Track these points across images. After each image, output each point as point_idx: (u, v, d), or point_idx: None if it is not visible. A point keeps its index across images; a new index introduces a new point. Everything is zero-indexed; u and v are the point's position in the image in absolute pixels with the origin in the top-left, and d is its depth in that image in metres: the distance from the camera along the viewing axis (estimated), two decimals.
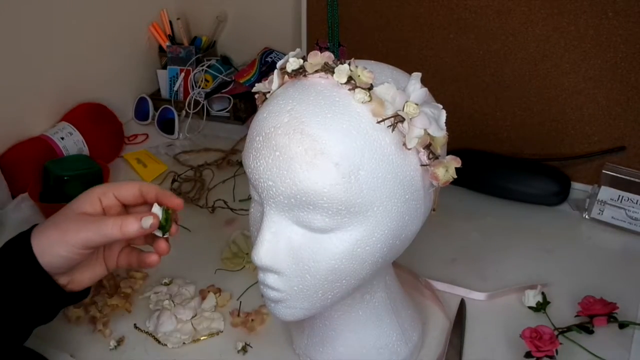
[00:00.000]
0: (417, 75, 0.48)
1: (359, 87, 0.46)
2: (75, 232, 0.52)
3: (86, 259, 0.55)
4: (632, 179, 0.84)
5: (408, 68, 0.99)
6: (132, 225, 0.52)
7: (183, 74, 1.19)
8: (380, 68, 0.50)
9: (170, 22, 1.22)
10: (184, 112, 1.15)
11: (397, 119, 0.46)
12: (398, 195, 0.47)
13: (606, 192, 0.85)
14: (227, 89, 1.17)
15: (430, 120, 0.47)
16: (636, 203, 0.83)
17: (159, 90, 1.23)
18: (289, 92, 0.47)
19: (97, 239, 0.52)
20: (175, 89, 1.20)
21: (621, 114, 0.85)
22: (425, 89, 0.48)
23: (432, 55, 0.94)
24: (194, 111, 1.16)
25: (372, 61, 0.51)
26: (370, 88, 0.46)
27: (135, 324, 0.72)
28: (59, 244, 0.52)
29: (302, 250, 0.47)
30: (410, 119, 0.46)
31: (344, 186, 0.44)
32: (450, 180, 0.49)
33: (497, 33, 0.88)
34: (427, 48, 0.94)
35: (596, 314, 0.69)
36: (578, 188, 0.93)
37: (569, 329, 0.69)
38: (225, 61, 1.23)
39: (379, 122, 0.45)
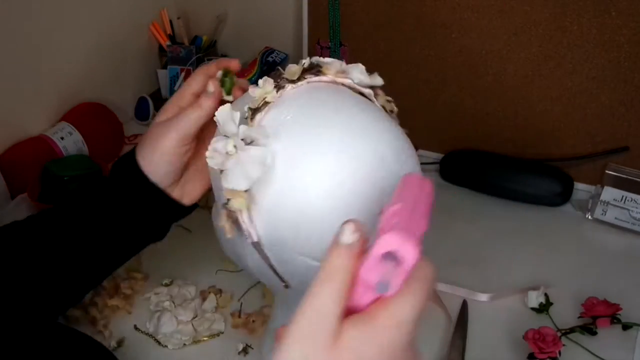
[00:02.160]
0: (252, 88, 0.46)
1: None
2: (166, 132, 0.54)
3: (193, 167, 0.58)
4: (635, 179, 0.84)
5: (410, 67, 1.00)
6: (205, 98, 0.54)
7: (183, 73, 1.18)
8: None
9: (171, 22, 1.22)
10: None
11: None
12: None
13: (609, 193, 0.85)
14: None
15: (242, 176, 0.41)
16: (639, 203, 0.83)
17: (159, 90, 1.23)
18: None
19: (185, 126, 0.53)
20: (175, 88, 1.19)
21: (625, 114, 0.85)
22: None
23: (434, 54, 0.94)
24: None
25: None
26: None
27: (135, 325, 0.72)
28: (158, 151, 0.54)
29: None
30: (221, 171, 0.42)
31: None
32: None
33: (500, 32, 0.87)
34: (429, 47, 0.94)
35: (599, 315, 0.69)
36: (581, 188, 0.93)
37: (572, 330, 0.69)
38: None
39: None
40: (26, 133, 0.97)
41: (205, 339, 0.70)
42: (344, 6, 0.96)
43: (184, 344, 0.69)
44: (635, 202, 0.83)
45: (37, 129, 0.99)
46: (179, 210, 0.59)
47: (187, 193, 0.59)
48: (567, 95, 0.87)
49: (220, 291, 0.76)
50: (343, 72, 0.49)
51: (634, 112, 0.84)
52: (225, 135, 0.44)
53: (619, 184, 0.84)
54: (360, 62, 1.06)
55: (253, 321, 0.71)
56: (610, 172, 0.85)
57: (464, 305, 0.73)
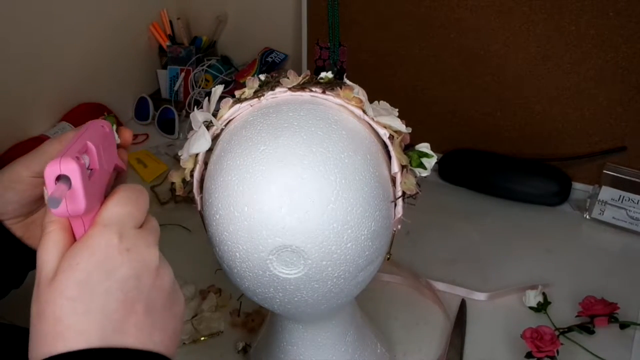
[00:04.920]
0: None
1: None
2: (22, 160, 0.47)
3: (43, 211, 0.50)
4: (633, 179, 0.84)
5: (408, 68, 1.00)
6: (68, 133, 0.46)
7: (183, 73, 1.19)
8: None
9: (171, 22, 1.22)
10: (184, 112, 1.15)
11: None
12: None
13: (607, 192, 0.85)
14: (227, 89, 1.17)
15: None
16: (637, 203, 0.83)
17: (159, 90, 1.23)
18: None
19: (41, 157, 0.46)
20: (175, 89, 1.19)
21: (622, 114, 0.85)
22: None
23: (433, 55, 0.94)
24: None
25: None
26: None
27: None
28: (6, 175, 0.47)
29: None
30: None
31: None
32: None
33: (498, 33, 0.88)
34: (428, 48, 0.94)
35: (597, 314, 0.69)
36: (579, 188, 0.93)
37: (569, 329, 0.69)
38: (226, 61, 1.23)
39: None
40: (27, 133, 0.97)
41: (204, 338, 0.70)
42: (343, 7, 0.97)
43: (184, 343, 0.70)
44: (633, 201, 0.83)
45: (38, 129, 0.99)
46: (24, 253, 0.51)
47: (32, 235, 0.50)
48: (565, 96, 0.88)
49: (219, 290, 0.77)
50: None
51: (631, 112, 0.84)
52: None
53: (616, 183, 0.85)
54: (360, 62, 1.07)
55: (252, 320, 0.71)
56: (607, 172, 0.85)
57: (463, 305, 0.74)
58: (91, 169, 0.36)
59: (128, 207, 0.37)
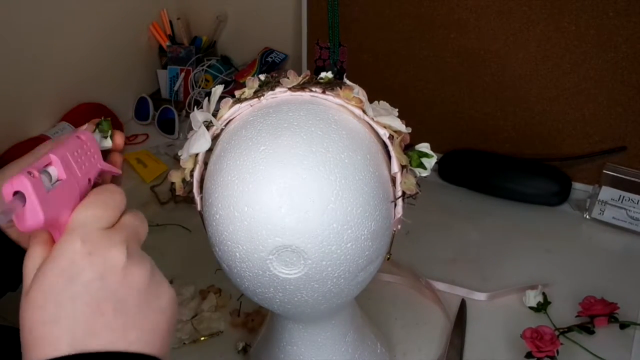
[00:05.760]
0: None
1: None
2: (13, 167, 0.48)
3: None
4: (633, 179, 0.84)
5: (408, 68, 1.00)
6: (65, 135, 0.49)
7: (183, 73, 1.19)
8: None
9: (171, 22, 1.22)
10: (184, 112, 1.15)
11: None
12: None
13: (607, 192, 0.85)
14: (227, 89, 1.17)
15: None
16: (637, 203, 0.83)
17: (159, 90, 1.23)
18: None
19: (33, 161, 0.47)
20: (175, 89, 1.19)
21: (622, 114, 0.85)
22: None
23: (433, 55, 0.94)
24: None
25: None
26: None
27: None
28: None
29: None
30: None
31: None
32: None
33: (498, 33, 0.88)
34: (428, 48, 0.94)
35: (597, 314, 0.69)
36: (579, 188, 0.93)
37: (569, 329, 0.69)
38: (226, 61, 1.23)
39: None
40: (27, 133, 0.97)
41: (204, 338, 0.70)
42: (343, 7, 0.97)
43: (184, 343, 0.70)
44: (633, 201, 0.83)
45: (38, 129, 0.99)
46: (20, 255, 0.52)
47: (27, 238, 0.52)
48: (565, 95, 0.88)
49: (219, 290, 0.77)
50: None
51: (631, 112, 0.84)
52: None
53: (616, 183, 0.85)
54: (360, 62, 1.07)
55: (252, 320, 0.71)
56: (607, 172, 0.85)
57: (463, 305, 0.74)
58: (59, 179, 0.38)
59: (94, 210, 0.37)
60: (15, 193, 0.34)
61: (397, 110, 0.51)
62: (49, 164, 0.38)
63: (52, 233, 0.38)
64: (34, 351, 0.33)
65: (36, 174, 0.35)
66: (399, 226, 0.52)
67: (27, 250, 0.37)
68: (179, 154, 0.52)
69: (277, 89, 0.49)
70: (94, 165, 0.42)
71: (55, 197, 0.36)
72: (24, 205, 0.34)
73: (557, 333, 0.67)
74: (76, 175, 0.39)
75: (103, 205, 0.38)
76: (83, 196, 0.39)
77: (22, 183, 0.34)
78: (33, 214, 0.35)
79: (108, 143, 0.48)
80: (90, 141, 0.43)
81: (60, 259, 0.35)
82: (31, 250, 0.37)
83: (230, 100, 0.50)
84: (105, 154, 0.49)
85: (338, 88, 0.49)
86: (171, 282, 0.77)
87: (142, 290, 0.37)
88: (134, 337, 0.35)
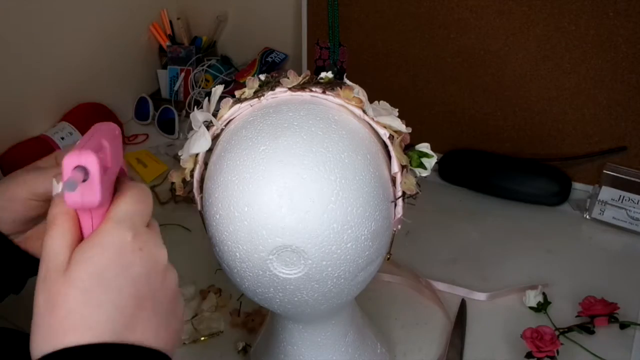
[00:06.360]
0: None
1: None
2: (20, 181, 0.48)
3: (42, 225, 0.51)
4: (633, 179, 0.84)
5: (408, 68, 1.00)
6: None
7: (183, 73, 1.19)
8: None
9: (171, 22, 1.22)
10: (184, 112, 1.15)
11: None
12: None
13: (607, 192, 0.85)
14: (227, 89, 1.17)
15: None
16: (637, 203, 0.83)
17: (159, 90, 1.23)
18: None
19: (39, 181, 0.47)
20: (175, 89, 1.19)
21: (622, 114, 0.85)
22: None
23: (433, 55, 0.94)
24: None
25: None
26: None
27: None
28: (6, 195, 0.48)
29: None
30: None
31: None
32: None
33: (498, 33, 0.88)
34: (428, 48, 0.94)
35: (597, 314, 0.69)
36: (579, 188, 0.93)
37: (569, 329, 0.69)
38: (226, 61, 1.23)
39: None
40: (27, 133, 0.97)
41: (204, 338, 0.70)
42: (343, 7, 0.97)
43: (184, 343, 0.70)
44: (633, 201, 0.83)
45: (38, 129, 0.99)
46: (23, 259, 0.51)
47: (31, 245, 0.51)
48: (565, 96, 0.88)
49: (219, 290, 0.77)
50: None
51: (631, 112, 0.84)
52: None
53: (616, 183, 0.85)
54: (360, 62, 1.07)
55: (252, 320, 0.71)
56: (608, 172, 0.85)
57: (463, 305, 0.74)
58: (104, 167, 0.37)
59: (139, 205, 0.37)
60: (76, 169, 0.33)
61: (397, 110, 0.51)
62: (100, 148, 0.36)
63: (80, 216, 0.36)
64: (72, 334, 0.33)
65: (99, 154, 0.34)
66: (399, 226, 0.52)
67: (55, 226, 0.35)
68: (179, 154, 0.52)
69: (277, 89, 0.49)
70: (120, 161, 0.41)
71: (104, 182, 0.35)
72: (83, 181, 0.33)
73: (557, 333, 0.67)
74: (115, 165, 0.39)
75: (146, 202, 0.38)
76: (112, 188, 0.38)
77: (90, 159, 0.33)
78: (90, 193, 0.34)
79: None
80: (120, 137, 0.42)
81: (110, 247, 0.35)
82: (62, 226, 0.35)
83: (230, 100, 0.50)
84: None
85: (338, 88, 0.49)
86: None
87: (173, 294, 0.38)
88: (162, 337, 0.36)
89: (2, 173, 0.90)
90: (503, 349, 0.68)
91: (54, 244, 0.35)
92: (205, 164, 0.50)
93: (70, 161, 0.33)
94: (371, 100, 0.50)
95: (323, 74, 0.50)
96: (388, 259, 0.52)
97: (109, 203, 0.37)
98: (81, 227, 0.36)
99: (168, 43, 1.21)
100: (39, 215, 0.50)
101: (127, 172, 0.45)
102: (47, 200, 0.49)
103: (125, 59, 1.17)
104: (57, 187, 0.39)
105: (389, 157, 0.49)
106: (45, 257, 0.35)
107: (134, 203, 0.37)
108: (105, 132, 0.38)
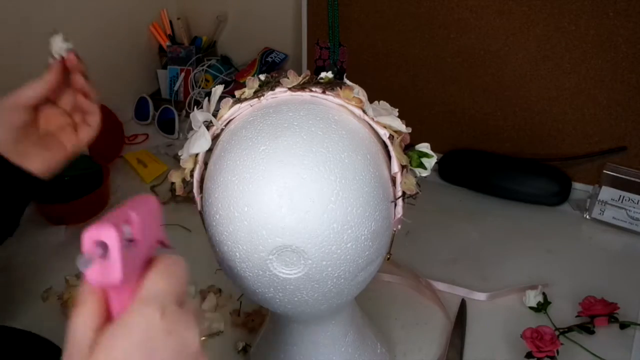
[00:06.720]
0: None
1: None
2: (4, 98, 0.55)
3: (33, 137, 0.59)
4: (633, 179, 0.84)
5: (408, 68, 1.00)
6: (46, 72, 0.60)
7: (183, 74, 1.19)
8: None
9: (171, 22, 1.22)
10: (184, 112, 1.15)
11: None
12: None
13: (607, 192, 0.85)
14: (227, 89, 1.17)
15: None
16: (637, 203, 0.83)
17: (159, 90, 1.23)
18: None
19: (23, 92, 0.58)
20: (175, 88, 1.19)
21: (622, 114, 0.85)
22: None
23: (433, 55, 0.94)
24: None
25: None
26: None
27: None
28: None
29: None
30: None
31: None
32: None
33: (498, 33, 0.88)
34: (428, 48, 0.94)
35: (597, 314, 0.69)
36: (579, 188, 0.93)
37: (569, 329, 0.69)
38: (226, 61, 1.23)
39: None
40: None
41: (204, 338, 0.70)
42: (343, 7, 0.97)
43: None
44: (633, 201, 0.83)
45: None
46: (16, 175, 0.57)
47: (26, 160, 0.58)
48: (565, 96, 0.88)
49: (219, 291, 0.77)
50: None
51: (631, 112, 0.84)
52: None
53: (616, 183, 0.85)
54: (360, 62, 1.07)
55: (252, 320, 0.71)
56: (608, 172, 0.85)
57: (463, 305, 0.74)
58: (133, 240, 0.34)
59: (171, 282, 0.35)
60: (96, 243, 0.31)
61: (397, 110, 0.51)
62: (127, 221, 0.34)
63: (107, 294, 0.34)
64: None
65: (122, 228, 0.32)
66: (399, 226, 0.52)
67: (82, 305, 0.34)
68: (179, 154, 0.52)
69: (277, 89, 0.49)
70: (156, 234, 0.39)
71: (130, 258, 0.33)
72: (103, 258, 0.32)
73: (557, 333, 0.67)
74: (147, 239, 0.36)
75: (178, 279, 0.36)
76: (145, 264, 0.36)
77: (110, 235, 0.31)
78: (111, 271, 0.32)
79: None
80: (158, 209, 0.39)
81: (137, 330, 0.33)
82: (89, 307, 0.34)
83: (230, 100, 0.50)
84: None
85: (338, 88, 0.49)
86: None
87: None
88: None
89: None
90: (503, 349, 0.68)
91: (79, 324, 0.33)
92: (205, 164, 0.50)
93: (89, 236, 0.31)
94: (371, 100, 0.50)
95: (323, 74, 0.50)
96: (388, 259, 0.52)
97: (140, 279, 0.35)
98: (111, 305, 0.34)
99: (168, 43, 1.22)
100: (30, 129, 0.58)
101: (169, 244, 0.41)
102: (30, 106, 0.59)
103: (125, 59, 1.17)
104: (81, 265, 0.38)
105: (389, 157, 0.49)
106: (70, 338, 0.33)
107: (165, 279, 0.35)
108: (137, 205, 0.36)
